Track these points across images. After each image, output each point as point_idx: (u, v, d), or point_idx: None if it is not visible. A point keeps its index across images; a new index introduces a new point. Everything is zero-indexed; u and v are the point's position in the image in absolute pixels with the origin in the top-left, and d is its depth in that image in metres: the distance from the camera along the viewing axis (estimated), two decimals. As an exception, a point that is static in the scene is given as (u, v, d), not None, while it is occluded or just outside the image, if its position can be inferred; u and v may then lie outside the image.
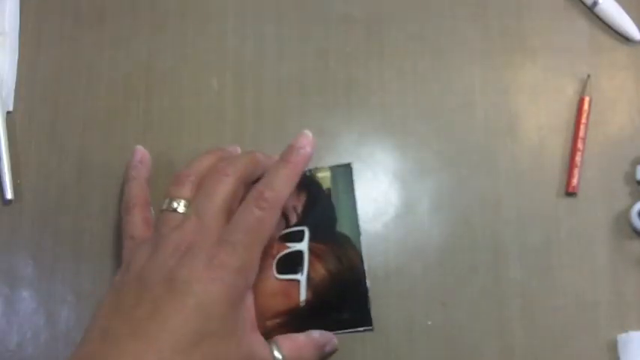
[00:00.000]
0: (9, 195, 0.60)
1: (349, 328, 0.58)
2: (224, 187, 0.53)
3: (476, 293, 0.59)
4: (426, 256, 0.60)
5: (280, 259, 0.59)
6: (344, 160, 0.62)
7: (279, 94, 0.64)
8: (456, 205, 0.61)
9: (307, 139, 0.56)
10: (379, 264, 0.59)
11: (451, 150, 0.62)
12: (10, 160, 0.61)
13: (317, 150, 0.60)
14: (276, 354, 0.52)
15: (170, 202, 0.54)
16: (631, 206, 0.59)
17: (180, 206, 0.53)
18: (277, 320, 0.57)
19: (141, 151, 0.60)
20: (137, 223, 0.55)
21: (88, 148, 0.62)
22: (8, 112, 0.63)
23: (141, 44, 0.65)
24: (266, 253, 0.58)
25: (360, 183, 0.61)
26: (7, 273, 0.59)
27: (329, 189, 0.61)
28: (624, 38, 0.64)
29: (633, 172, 0.60)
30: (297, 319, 0.58)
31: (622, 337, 0.57)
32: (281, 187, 0.53)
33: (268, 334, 0.56)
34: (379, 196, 0.61)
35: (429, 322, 0.58)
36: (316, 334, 0.55)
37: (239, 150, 0.60)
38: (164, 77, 0.64)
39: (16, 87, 0.64)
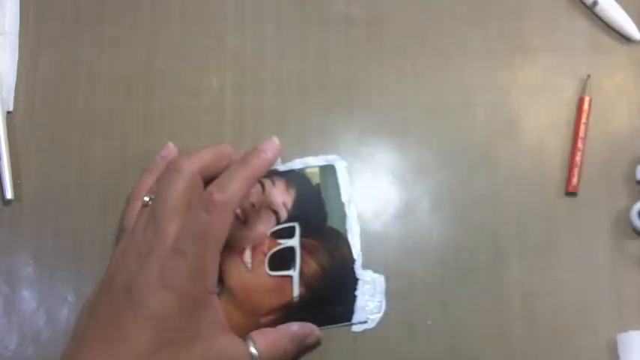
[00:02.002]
0: (9, 195, 0.60)
1: (344, 321, 0.58)
2: (176, 186, 0.52)
3: (476, 293, 0.59)
4: (426, 256, 0.60)
5: (272, 255, 0.59)
6: (343, 160, 0.62)
7: (279, 94, 0.64)
8: (456, 205, 0.61)
9: (272, 144, 0.54)
10: (379, 264, 0.59)
11: (451, 149, 0.62)
12: (10, 160, 0.61)
13: (317, 150, 0.61)
14: (252, 350, 0.52)
15: (147, 196, 0.54)
16: (631, 206, 0.59)
17: None
18: (271, 317, 0.57)
19: (168, 149, 0.60)
20: (132, 216, 0.55)
21: (89, 147, 0.62)
22: (8, 112, 0.63)
23: (141, 44, 0.65)
24: (258, 250, 0.58)
25: (360, 183, 0.61)
26: (7, 273, 0.59)
27: (318, 184, 0.61)
28: (624, 38, 0.64)
29: (633, 172, 0.60)
30: (291, 315, 0.58)
31: (622, 337, 0.57)
32: (234, 189, 0.51)
33: None
34: (379, 196, 0.61)
35: (429, 322, 0.58)
36: (295, 327, 0.55)
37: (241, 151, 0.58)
38: (164, 77, 0.64)
39: (16, 87, 0.64)
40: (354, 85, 0.64)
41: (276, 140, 0.55)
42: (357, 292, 0.58)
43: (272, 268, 0.58)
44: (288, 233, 0.59)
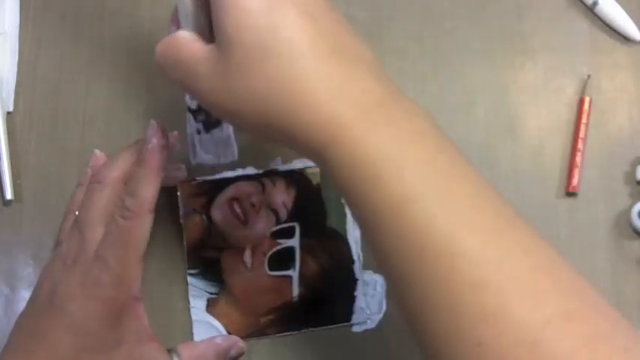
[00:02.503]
0: (9, 195, 0.60)
1: (343, 322, 0.58)
2: (97, 196, 0.53)
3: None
4: (426, 256, 0.60)
5: (272, 255, 0.59)
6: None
7: (279, 94, 0.63)
8: (456, 205, 0.61)
9: (152, 130, 0.53)
10: (379, 264, 0.59)
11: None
12: (10, 160, 0.61)
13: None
14: None
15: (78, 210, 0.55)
16: (631, 206, 0.59)
17: None
18: (270, 317, 0.58)
19: (96, 157, 0.60)
20: (65, 230, 0.56)
21: (89, 147, 0.62)
22: (8, 112, 0.63)
23: (141, 44, 0.65)
24: (258, 250, 0.58)
25: (360, 183, 0.61)
26: (7, 273, 0.59)
27: (318, 184, 0.61)
28: (624, 38, 0.64)
29: (633, 173, 0.60)
30: (290, 315, 0.58)
31: (622, 337, 0.57)
32: (141, 191, 0.51)
33: (262, 331, 0.57)
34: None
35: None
36: (218, 340, 0.55)
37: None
38: (164, 77, 0.64)
39: (16, 87, 0.63)
40: (354, 85, 0.64)
41: (154, 123, 0.53)
42: (357, 293, 0.58)
43: (272, 269, 0.59)
44: (288, 233, 0.60)
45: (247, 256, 0.59)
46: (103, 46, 0.65)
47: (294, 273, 0.59)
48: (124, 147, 0.56)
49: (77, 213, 0.54)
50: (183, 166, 0.59)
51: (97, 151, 0.60)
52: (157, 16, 0.66)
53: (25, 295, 0.59)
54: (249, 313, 0.58)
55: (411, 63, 0.64)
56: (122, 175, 0.54)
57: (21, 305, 0.58)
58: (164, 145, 0.53)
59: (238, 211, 0.59)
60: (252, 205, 0.60)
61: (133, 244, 0.51)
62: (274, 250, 0.59)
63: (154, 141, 0.52)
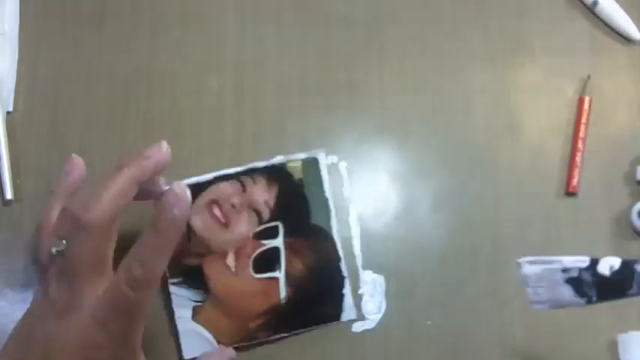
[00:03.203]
0: (9, 195, 0.60)
1: (333, 320, 0.58)
2: (86, 246, 0.45)
3: (476, 294, 0.59)
4: (426, 256, 0.60)
5: (256, 257, 0.58)
6: (344, 160, 0.62)
7: (279, 94, 0.64)
8: (456, 205, 0.61)
9: (174, 197, 0.46)
10: (379, 264, 0.59)
11: (451, 150, 0.62)
12: (10, 160, 0.61)
13: (317, 150, 0.61)
14: None
15: (56, 245, 0.47)
16: (631, 206, 0.59)
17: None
18: (259, 321, 0.57)
19: (72, 163, 0.52)
20: (43, 250, 0.49)
21: (88, 148, 0.62)
22: (8, 112, 0.63)
23: (141, 44, 0.65)
24: (241, 253, 0.58)
25: (360, 182, 0.61)
26: (7, 273, 0.59)
27: (301, 179, 0.60)
28: (624, 38, 0.64)
29: (633, 172, 0.60)
30: (279, 318, 0.58)
31: (622, 337, 0.57)
32: (153, 262, 0.45)
33: (253, 336, 0.57)
34: (379, 196, 0.61)
35: (429, 322, 0.58)
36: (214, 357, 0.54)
37: (165, 149, 0.50)
38: (164, 77, 0.64)
39: (16, 87, 0.63)
40: (354, 85, 0.64)
41: (178, 188, 0.47)
42: (345, 291, 0.58)
43: (257, 271, 0.58)
44: (272, 233, 0.59)
45: (231, 260, 0.58)
46: (103, 46, 0.65)
47: (280, 274, 0.58)
48: (109, 174, 0.47)
49: (56, 250, 0.47)
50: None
51: (74, 155, 0.52)
52: (157, 16, 0.66)
53: (25, 295, 0.59)
54: (237, 319, 0.57)
55: (411, 63, 0.64)
56: (111, 217, 0.46)
57: (21, 305, 0.58)
58: (187, 217, 0.47)
59: (218, 214, 0.59)
60: (233, 207, 0.59)
61: (140, 316, 0.46)
62: (258, 251, 0.58)
63: (176, 212, 0.46)
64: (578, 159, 0.61)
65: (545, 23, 0.65)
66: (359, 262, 0.59)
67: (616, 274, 0.48)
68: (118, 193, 0.46)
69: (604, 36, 0.65)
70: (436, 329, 0.58)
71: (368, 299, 0.58)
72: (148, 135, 0.62)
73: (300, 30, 0.65)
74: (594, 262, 0.49)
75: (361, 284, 0.59)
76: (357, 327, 0.58)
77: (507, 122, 0.63)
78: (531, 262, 0.51)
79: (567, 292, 0.50)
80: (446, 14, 0.65)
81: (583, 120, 0.61)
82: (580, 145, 0.61)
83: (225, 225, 0.59)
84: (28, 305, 0.58)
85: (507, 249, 0.59)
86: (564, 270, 0.50)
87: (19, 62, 0.64)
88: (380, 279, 0.59)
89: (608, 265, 0.49)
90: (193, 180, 0.60)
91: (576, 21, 0.65)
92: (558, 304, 0.51)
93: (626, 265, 0.48)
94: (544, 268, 0.50)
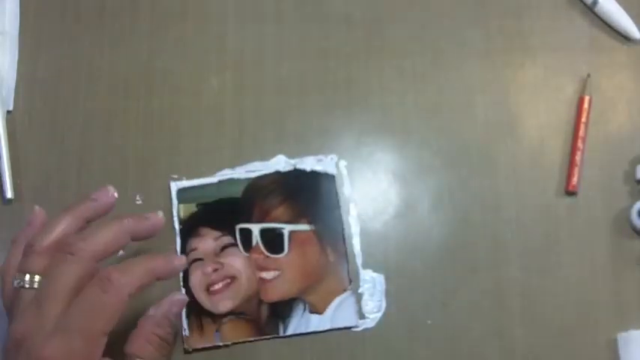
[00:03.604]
0: (9, 194, 0.60)
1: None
2: (68, 270, 0.47)
3: (476, 293, 0.58)
4: (426, 256, 0.60)
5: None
6: (344, 159, 0.62)
7: (279, 94, 0.64)
8: (456, 205, 0.61)
9: (181, 259, 0.52)
10: (379, 264, 0.59)
11: (451, 150, 0.62)
12: (10, 160, 0.61)
13: (317, 150, 0.61)
14: None
15: (18, 278, 0.48)
16: (631, 206, 0.59)
17: (27, 282, 0.47)
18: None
19: (35, 215, 0.53)
20: (6, 290, 0.50)
21: (88, 146, 0.62)
22: (8, 112, 0.63)
23: (141, 44, 0.65)
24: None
25: (359, 182, 0.61)
26: (7, 273, 0.59)
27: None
28: (624, 38, 0.64)
29: (633, 172, 0.60)
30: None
31: (622, 336, 0.57)
32: (134, 275, 0.47)
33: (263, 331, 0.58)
34: (379, 196, 0.61)
35: (429, 322, 0.58)
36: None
37: (112, 194, 0.53)
38: (164, 77, 0.64)
39: (16, 87, 0.64)
40: (354, 85, 0.64)
41: (184, 257, 0.53)
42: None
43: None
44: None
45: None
46: (103, 46, 0.65)
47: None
48: (105, 221, 0.50)
49: (18, 283, 0.47)
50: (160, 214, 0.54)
51: (37, 207, 0.53)
52: (157, 16, 0.66)
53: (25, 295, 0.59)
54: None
55: (411, 63, 0.64)
56: (98, 254, 0.48)
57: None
58: (177, 272, 0.53)
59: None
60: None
61: (104, 319, 0.46)
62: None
63: (177, 263, 0.51)
64: (577, 158, 0.61)
65: (545, 22, 0.65)
66: (359, 261, 0.59)
67: None
68: (144, 275, 0.48)
69: (604, 35, 0.65)
70: (436, 329, 0.58)
71: (368, 298, 0.58)
72: (147, 135, 0.62)
73: (300, 30, 0.65)
74: None
75: (361, 283, 0.59)
76: (357, 327, 0.58)
77: (507, 121, 0.63)
78: None
79: None
80: (446, 14, 0.65)
81: (583, 119, 0.61)
82: (580, 144, 0.61)
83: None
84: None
85: (507, 248, 0.59)
86: None
87: (19, 62, 0.65)
88: (380, 278, 0.59)
89: None
90: (196, 182, 0.61)
91: (576, 20, 0.65)
92: None
93: None
94: None
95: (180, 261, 0.52)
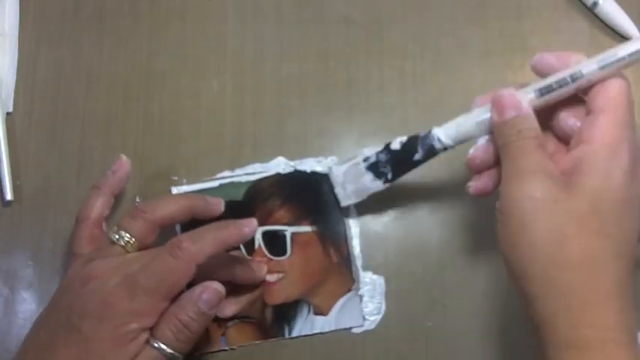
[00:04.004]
0: (9, 196, 0.60)
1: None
2: (170, 268, 0.49)
3: (476, 294, 0.59)
4: (426, 256, 0.60)
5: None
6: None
7: (279, 94, 0.64)
8: (456, 206, 0.61)
9: (252, 223, 0.53)
10: (379, 265, 0.59)
11: (451, 150, 0.62)
12: (9, 161, 0.61)
13: (317, 150, 0.61)
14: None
15: (115, 232, 0.52)
16: (631, 207, 0.59)
17: (122, 240, 0.52)
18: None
19: (120, 162, 0.58)
20: (81, 239, 0.54)
21: (88, 148, 0.62)
22: (8, 114, 0.63)
23: (141, 44, 0.65)
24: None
25: (360, 184, 0.61)
26: (7, 273, 0.59)
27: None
28: (624, 39, 0.64)
29: (633, 173, 0.60)
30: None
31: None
32: (203, 244, 0.50)
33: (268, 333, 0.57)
34: (379, 197, 0.61)
35: (429, 324, 0.58)
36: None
37: (222, 206, 0.57)
38: (164, 77, 0.64)
39: (16, 87, 0.63)
40: (354, 85, 0.64)
41: (254, 221, 0.54)
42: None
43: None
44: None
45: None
46: (103, 46, 0.65)
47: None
48: (213, 227, 0.53)
49: (116, 238, 0.52)
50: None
51: (123, 157, 0.58)
52: (157, 16, 0.66)
53: (25, 295, 0.59)
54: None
55: (411, 63, 0.64)
56: (202, 259, 0.50)
57: (21, 305, 0.59)
58: (247, 238, 0.53)
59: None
60: None
61: (169, 284, 0.49)
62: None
63: (247, 231, 0.53)
64: (578, 159, 0.61)
65: (545, 23, 0.65)
66: (359, 263, 0.59)
67: (404, 145, 0.55)
68: (214, 244, 0.51)
69: (604, 36, 0.65)
70: (436, 330, 0.58)
71: (368, 300, 0.58)
72: (147, 135, 0.62)
73: (300, 30, 0.65)
74: (388, 144, 0.55)
75: (361, 285, 0.59)
76: (358, 328, 0.58)
77: (507, 122, 0.63)
78: (338, 164, 0.59)
79: (368, 178, 0.56)
80: (446, 15, 0.65)
81: (583, 121, 0.61)
82: (580, 145, 0.61)
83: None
84: (28, 306, 0.59)
85: (507, 250, 0.60)
86: (365, 159, 0.56)
87: (19, 62, 0.64)
88: (380, 280, 0.59)
89: (398, 140, 0.55)
90: (197, 187, 0.61)
91: (576, 21, 0.65)
92: (362, 194, 0.58)
93: (413, 137, 0.55)
94: (349, 165, 0.57)
95: (251, 226, 0.53)
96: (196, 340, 0.51)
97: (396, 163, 0.56)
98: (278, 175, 0.61)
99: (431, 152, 0.54)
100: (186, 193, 0.60)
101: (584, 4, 0.65)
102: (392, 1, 0.66)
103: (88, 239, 0.54)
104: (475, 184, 0.52)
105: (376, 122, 0.63)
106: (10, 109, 0.63)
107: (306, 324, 0.58)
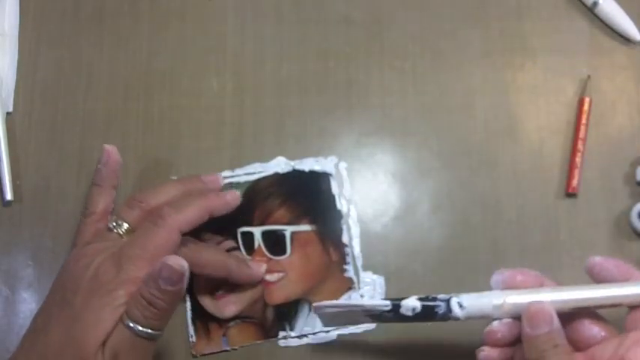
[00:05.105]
0: (9, 196, 0.60)
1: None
2: (153, 237, 0.51)
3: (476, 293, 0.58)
4: (426, 256, 0.60)
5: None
6: (344, 160, 0.62)
7: (279, 94, 0.64)
8: (456, 206, 0.61)
9: (234, 194, 0.58)
10: (379, 265, 0.59)
11: (451, 150, 0.62)
12: (9, 161, 0.61)
13: (317, 150, 0.61)
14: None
15: (113, 221, 0.54)
16: (631, 207, 0.59)
17: (118, 228, 0.54)
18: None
19: (107, 152, 0.59)
20: (85, 234, 0.55)
21: (88, 148, 0.62)
22: (8, 114, 0.63)
23: (141, 44, 0.65)
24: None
25: (359, 183, 0.61)
26: (7, 273, 0.60)
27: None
28: (624, 39, 0.64)
29: (633, 173, 0.60)
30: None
31: (622, 338, 0.57)
32: (185, 213, 0.53)
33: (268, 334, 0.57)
34: (379, 197, 0.61)
35: (429, 324, 0.58)
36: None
37: (220, 181, 0.60)
38: (164, 77, 0.64)
39: (16, 87, 0.63)
40: (353, 85, 0.64)
41: (237, 193, 0.58)
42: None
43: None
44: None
45: None
46: (103, 46, 0.65)
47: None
48: (194, 196, 0.55)
49: (113, 225, 0.54)
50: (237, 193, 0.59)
51: (107, 146, 0.59)
52: (157, 16, 0.65)
53: (25, 295, 0.59)
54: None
55: (411, 63, 0.64)
56: (185, 226, 0.53)
57: (21, 305, 0.59)
58: (230, 208, 0.57)
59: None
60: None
61: (151, 250, 0.50)
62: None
63: (230, 199, 0.57)
64: (578, 160, 0.61)
65: (545, 23, 0.65)
66: (359, 263, 0.59)
67: (417, 315, 0.50)
68: (195, 212, 0.54)
69: (604, 36, 0.65)
70: (436, 330, 0.58)
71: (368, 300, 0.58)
72: (147, 135, 0.62)
73: (300, 30, 0.65)
74: (396, 306, 0.50)
75: (361, 285, 0.59)
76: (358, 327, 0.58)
77: (507, 122, 0.63)
78: (328, 307, 0.52)
79: (364, 319, 0.52)
80: (446, 14, 0.65)
81: (583, 121, 0.61)
82: (580, 145, 0.61)
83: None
84: (28, 306, 0.59)
85: (507, 249, 0.60)
86: (365, 311, 0.51)
87: (19, 62, 0.64)
88: (380, 280, 0.59)
89: (411, 307, 0.50)
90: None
91: (576, 21, 0.65)
92: (349, 324, 0.57)
93: (428, 308, 0.50)
94: (342, 311, 0.52)
95: (233, 196, 0.57)
96: (170, 317, 0.51)
97: (401, 320, 0.51)
98: (277, 174, 0.61)
99: (439, 320, 0.50)
100: (181, 178, 0.60)
101: (584, 4, 0.65)
102: (392, 1, 0.66)
103: (93, 233, 0.55)
104: (488, 354, 0.50)
105: (376, 122, 0.63)
106: (10, 109, 0.63)
107: (308, 323, 0.58)
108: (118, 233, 0.54)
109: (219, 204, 0.56)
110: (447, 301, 0.49)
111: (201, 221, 0.54)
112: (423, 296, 0.50)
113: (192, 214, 0.53)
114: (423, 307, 0.49)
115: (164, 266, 0.49)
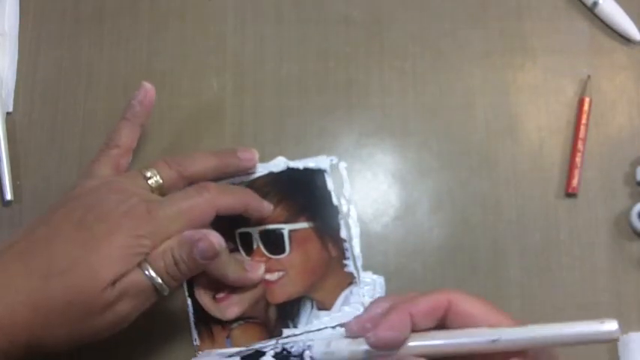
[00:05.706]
0: (9, 196, 0.60)
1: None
2: (193, 202, 0.52)
3: (476, 293, 0.58)
4: (426, 256, 0.60)
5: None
6: (344, 160, 0.62)
7: (279, 94, 0.63)
8: (456, 206, 0.61)
9: (267, 205, 0.59)
10: (379, 265, 0.59)
11: (451, 150, 0.62)
12: (9, 161, 0.61)
13: (317, 150, 0.61)
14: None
15: (149, 170, 0.55)
16: (631, 207, 0.59)
17: (153, 180, 0.55)
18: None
19: (145, 90, 0.58)
20: (107, 165, 0.56)
21: (88, 148, 0.62)
22: (8, 114, 0.63)
23: (141, 44, 0.65)
24: None
25: (359, 183, 0.61)
26: (7, 273, 0.59)
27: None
28: (624, 39, 0.64)
29: (633, 173, 0.60)
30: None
31: (622, 338, 0.57)
32: (229, 196, 0.54)
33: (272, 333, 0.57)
34: (379, 197, 0.61)
35: (429, 323, 0.58)
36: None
37: (255, 158, 0.60)
38: (164, 77, 0.64)
39: (16, 87, 0.63)
40: (353, 85, 0.64)
41: (271, 206, 0.59)
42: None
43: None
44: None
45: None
46: (103, 46, 0.65)
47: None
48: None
49: (148, 176, 0.54)
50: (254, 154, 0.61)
51: (146, 84, 0.58)
52: (157, 16, 0.65)
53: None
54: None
55: (411, 63, 0.64)
56: (223, 209, 0.54)
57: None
58: (267, 212, 0.59)
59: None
60: None
61: (188, 217, 0.51)
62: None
63: (266, 204, 0.59)
64: (578, 159, 0.61)
65: (545, 23, 0.65)
66: (359, 263, 0.59)
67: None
68: (236, 199, 0.56)
69: (604, 36, 0.65)
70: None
71: (368, 300, 0.58)
72: (147, 135, 0.62)
73: (299, 30, 0.65)
74: (259, 351, 0.54)
75: (361, 285, 0.59)
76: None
77: (507, 122, 0.63)
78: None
79: None
80: (446, 14, 0.65)
81: (583, 121, 0.61)
82: (580, 145, 0.61)
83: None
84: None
85: (507, 249, 0.60)
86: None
87: (19, 62, 0.64)
88: (380, 280, 0.59)
89: (271, 354, 0.54)
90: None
91: (576, 21, 0.65)
92: None
93: (281, 356, 0.53)
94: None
95: (269, 208, 0.59)
96: (183, 281, 0.53)
97: None
98: (271, 173, 0.61)
99: None
100: (217, 150, 0.60)
101: (584, 4, 0.65)
102: (392, 1, 0.66)
103: (114, 166, 0.56)
104: None
105: (376, 122, 0.63)
106: (10, 109, 0.63)
107: (311, 320, 0.58)
108: (150, 183, 0.54)
109: (256, 206, 0.57)
110: (300, 356, 0.51)
111: (236, 212, 0.55)
112: (278, 351, 0.54)
113: (233, 201, 0.55)
114: (282, 350, 0.54)
115: (205, 239, 0.50)
